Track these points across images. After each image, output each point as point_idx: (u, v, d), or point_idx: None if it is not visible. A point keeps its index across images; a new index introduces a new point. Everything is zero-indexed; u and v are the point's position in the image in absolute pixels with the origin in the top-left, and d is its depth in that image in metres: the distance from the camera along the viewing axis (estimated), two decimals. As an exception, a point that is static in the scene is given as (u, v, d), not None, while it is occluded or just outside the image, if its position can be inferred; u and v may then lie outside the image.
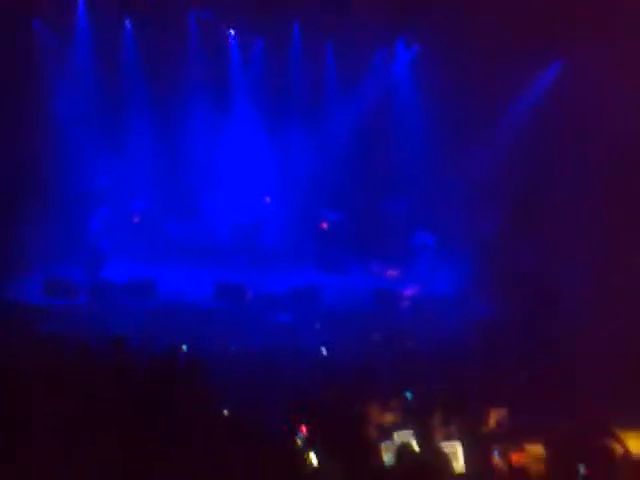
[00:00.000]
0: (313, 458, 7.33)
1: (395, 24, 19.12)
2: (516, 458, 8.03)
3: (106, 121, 18.79)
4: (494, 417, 9.10)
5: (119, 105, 19.10)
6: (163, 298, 16.19)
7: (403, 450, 7.35)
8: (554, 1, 16.67)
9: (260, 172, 20.08)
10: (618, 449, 7.79)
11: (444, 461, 7.45)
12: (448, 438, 8.17)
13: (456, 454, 7.85)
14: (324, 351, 13.31)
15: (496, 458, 7.99)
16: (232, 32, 19.81)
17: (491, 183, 18.83)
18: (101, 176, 18.84)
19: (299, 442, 7.86)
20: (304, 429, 7.98)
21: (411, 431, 8.19)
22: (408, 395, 9.57)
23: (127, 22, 18.99)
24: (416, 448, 7.77)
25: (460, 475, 7.76)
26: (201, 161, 19.71)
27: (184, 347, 12.86)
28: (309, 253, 19.34)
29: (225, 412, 8.70)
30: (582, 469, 7.07)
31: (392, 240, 19.25)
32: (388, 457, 7.63)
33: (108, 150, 18.74)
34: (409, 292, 17.27)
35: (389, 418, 9.00)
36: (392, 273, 18.72)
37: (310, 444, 7.64)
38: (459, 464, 7.82)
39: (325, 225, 19.80)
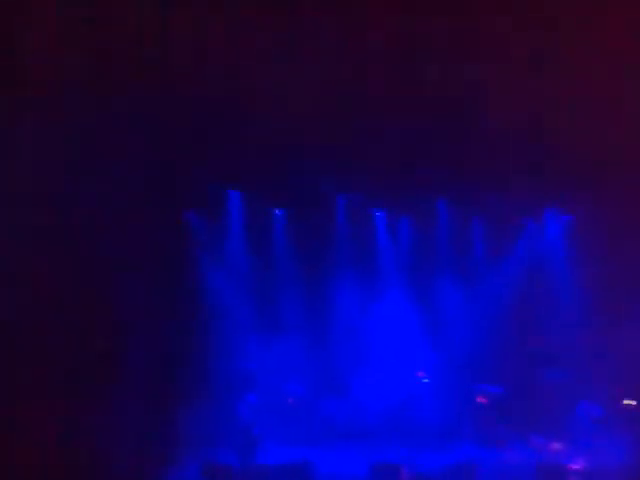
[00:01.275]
0: None
1: (541, 195, 19.19)
2: None
3: (259, 307, 19.41)
4: None
5: (270, 291, 19.75)
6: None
7: None
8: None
9: (412, 349, 19.99)
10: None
11: None
12: None
13: None
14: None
15: None
16: (378, 213, 20.31)
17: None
18: (250, 360, 19.19)
19: None
20: None
21: None
22: None
23: (277, 211, 19.89)
24: None
25: None
26: (352, 342, 19.87)
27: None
28: (466, 429, 18.75)
29: None
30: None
31: (555, 412, 18.50)
32: None
33: (260, 334, 19.18)
34: (576, 466, 16.35)
35: None
36: (556, 446, 17.83)
37: None
38: None
39: (483, 399, 19.28)
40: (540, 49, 15.72)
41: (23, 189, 14.59)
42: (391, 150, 18.16)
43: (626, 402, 18.40)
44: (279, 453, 16.91)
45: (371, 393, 19.54)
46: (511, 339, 19.67)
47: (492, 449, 17.97)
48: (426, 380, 19.81)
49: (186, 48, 15.53)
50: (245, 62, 15.88)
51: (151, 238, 17.39)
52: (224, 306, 19.19)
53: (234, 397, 17.99)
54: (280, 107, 16.61)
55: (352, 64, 16.20)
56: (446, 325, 20.01)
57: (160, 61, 15.52)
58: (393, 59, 16.27)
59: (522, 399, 19.10)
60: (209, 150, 17.39)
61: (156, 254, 17.68)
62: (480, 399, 19.25)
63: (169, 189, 17.64)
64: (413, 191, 19.30)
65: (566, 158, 17.56)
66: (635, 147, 16.59)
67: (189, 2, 15.28)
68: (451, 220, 20.23)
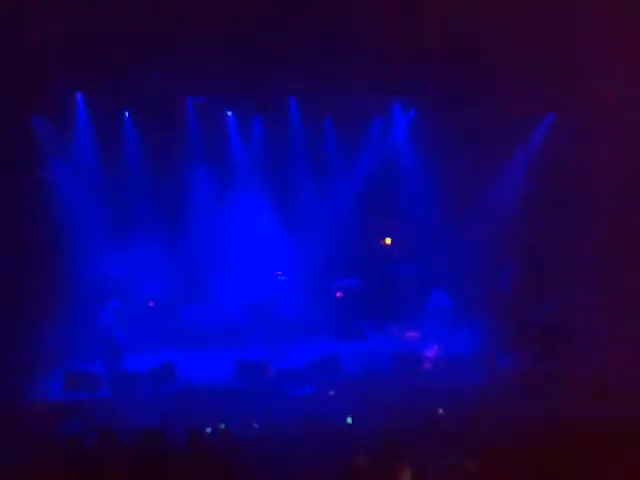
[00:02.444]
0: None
1: (389, 90, 19.46)
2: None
3: (111, 211, 19.03)
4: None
5: (123, 194, 19.36)
6: (184, 382, 16.10)
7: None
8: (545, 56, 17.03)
9: (269, 248, 20.18)
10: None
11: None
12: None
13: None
14: (350, 420, 13.22)
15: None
16: (229, 113, 20.07)
17: (499, 239, 19.02)
18: (111, 267, 18.95)
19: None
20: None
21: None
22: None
23: (126, 112, 19.32)
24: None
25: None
26: (209, 243, 19.78)
27: (208, 429, 12.83)
28: (326, 323, 19.25)
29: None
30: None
31: (408, 303, 19.23)
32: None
33: (116, 240, 18.84)
34: (430, 353, 17.17)
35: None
36: (412, 335, 18.63)
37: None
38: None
39: (340, 294, 19.80)
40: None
41: None
42: (242, 51, 17.89)
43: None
44: (143, 359, 16.88)
45: (232, 295, 19.67)
46: (365, 236, 20.14)
47: (352, 341, 18.61)
48: (283, 278, 20.10)
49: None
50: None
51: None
52: (79, 214, 18.66)
53: (96, 305, 17.77)
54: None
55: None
56: (302, 223, 20.18)
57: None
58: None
59: (378, 292, 19.73)
60: (57, 54, 16.64)
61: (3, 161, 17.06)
62: (338, 294, 19.76)
63: (15, 94, 16.84)
64: (263, 91, 19.16)
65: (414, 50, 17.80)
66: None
67: None
68: (302, 118, 20.16)
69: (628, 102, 16.77)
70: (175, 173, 19.60)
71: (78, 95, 18.68)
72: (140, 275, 19.23)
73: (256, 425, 13.17)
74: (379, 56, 17.75)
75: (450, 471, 9.12)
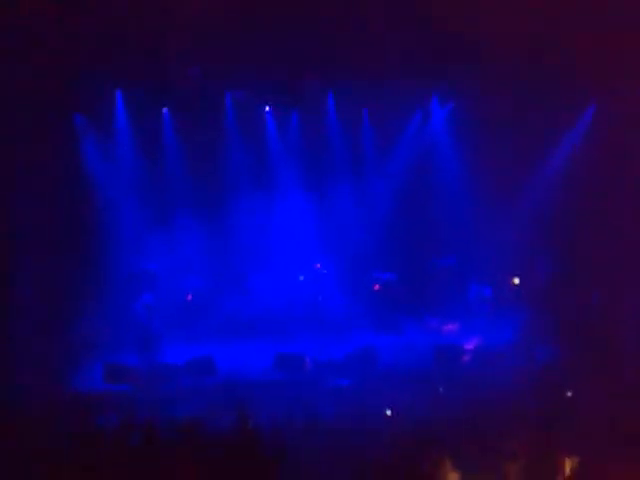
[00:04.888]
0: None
1: (427, 83, 19.45)
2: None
3: (150, 205, 19.21)
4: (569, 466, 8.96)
5: (164, 189, 19.53)
6: (223, 375, 16.20)
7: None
8: (584, 46, 16.86)
9: (307, 241, 20.22)
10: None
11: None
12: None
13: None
14: (388, 412, 13.22)
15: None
16: (268, 108, 20.15)
17: (538, 231, 18.94)
18: (149, 261, 19.14)
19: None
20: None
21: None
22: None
23: (165, 110, 19.48)
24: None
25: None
26: (248, 236, 19.89)
27: (249, 422, 12.87)
28: (364, 316, 19.26)
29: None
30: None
31: (447, 295, 19.19)
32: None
33: (155, 235, 19.06)
34: (470, 345, 17.11)
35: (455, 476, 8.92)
36: (451, 327, 18.58)
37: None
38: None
39: (377, 286, 19.79)
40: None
41: None
42: (280, 46, 17.99)
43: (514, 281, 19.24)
44: (181, 351, 17.00)
45: (271, 287, 19.75)
46: (405, 228, 20.09)
47: (390, 334, 18.59)
48: (324, 271, 20.15)
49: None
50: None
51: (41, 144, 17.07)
52: (119, 210, 18.96)
53: (131, 298, 17.95)
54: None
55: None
56: (339, 216, 20.22)
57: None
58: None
59: (415, 284, 19.68)
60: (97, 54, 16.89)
61: (48, 158, 17.36)
62: (376, 287, 19.76)
63: (56, 93, 17.15)
64: (301, 85, 19.24)
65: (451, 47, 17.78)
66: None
67: None
68: (340, 112, 20.18)
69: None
70: (213, 167, 19.68)
71: (118, 93, 18.89)
72: (179, 268, 19.38)
73: (295, 417, 13.20)
74: (417, 50, 17.79)
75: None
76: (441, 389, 14.58)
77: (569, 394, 13.56)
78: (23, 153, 17.21)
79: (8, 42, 15.89)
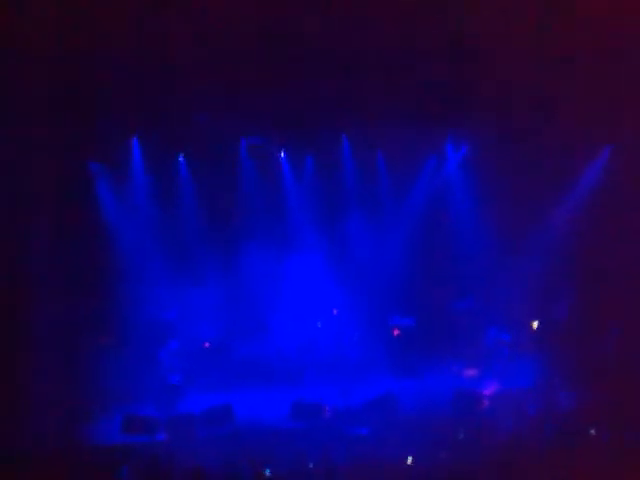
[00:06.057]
0: None
1: (442, 130, 19.55)
2: None
3: (167, 252, 19.21)
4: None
5: (178, 236, 19.55)
6: (241, 424, 16.07)
7: None
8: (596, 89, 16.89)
9: (324, 286, 20.16)
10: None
11: None
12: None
13: None
14: (409, 460, 13.04)
15: None
16: (282, 154, 20.23)
17: (555, 272, 18.90)
18: (167, 309, 19.12)
19: None
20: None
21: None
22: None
23: (180, 157, 19.59)
24: None
25: None
26: (263, 282, 19.86)
27: (267, 471, 12.75)
28: (383, 361, 19.12)
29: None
30: None
31: (466, 339, 19.07)
32: None
33: (171, 281, 19.03)
34: (488, 391, 16.94)
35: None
36: (471, 372, 18.42)
37: None
38: None
39: (397, 331, 19.69)
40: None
41: None
42: (291, 91, 18.06)
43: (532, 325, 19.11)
44: (200, 400, 16.93)
45: (287, 333, 19.67)
46: (419, 271, 20.01)
47: (409, 379, 18.45)
48: (335, 313, 20.12)
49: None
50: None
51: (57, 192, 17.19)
52: (135, 257, 18.95)
53: (153, 347, 17.91)
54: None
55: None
56: (357, 260, 20.19)
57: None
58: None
59: (434, 329, 19.54)
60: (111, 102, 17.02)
61: (65, 206, 17.47)
62: (395, 332, 19.65)
63: (74, 140, 17.28)
64: (316, 129, 19.32)
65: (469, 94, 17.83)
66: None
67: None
68: (354, 155, 20.27)
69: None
70: (229, 213, 19.77)
71: (134, 140, 19.05)
72: (195, 315, 19.34)
73: (311, 465, 13.06)
74: (432, 94, 17.84)
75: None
76: (461, 435, 14.37)
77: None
78: (40, 200, 17.30)
79: (24, 89, 16.02)
